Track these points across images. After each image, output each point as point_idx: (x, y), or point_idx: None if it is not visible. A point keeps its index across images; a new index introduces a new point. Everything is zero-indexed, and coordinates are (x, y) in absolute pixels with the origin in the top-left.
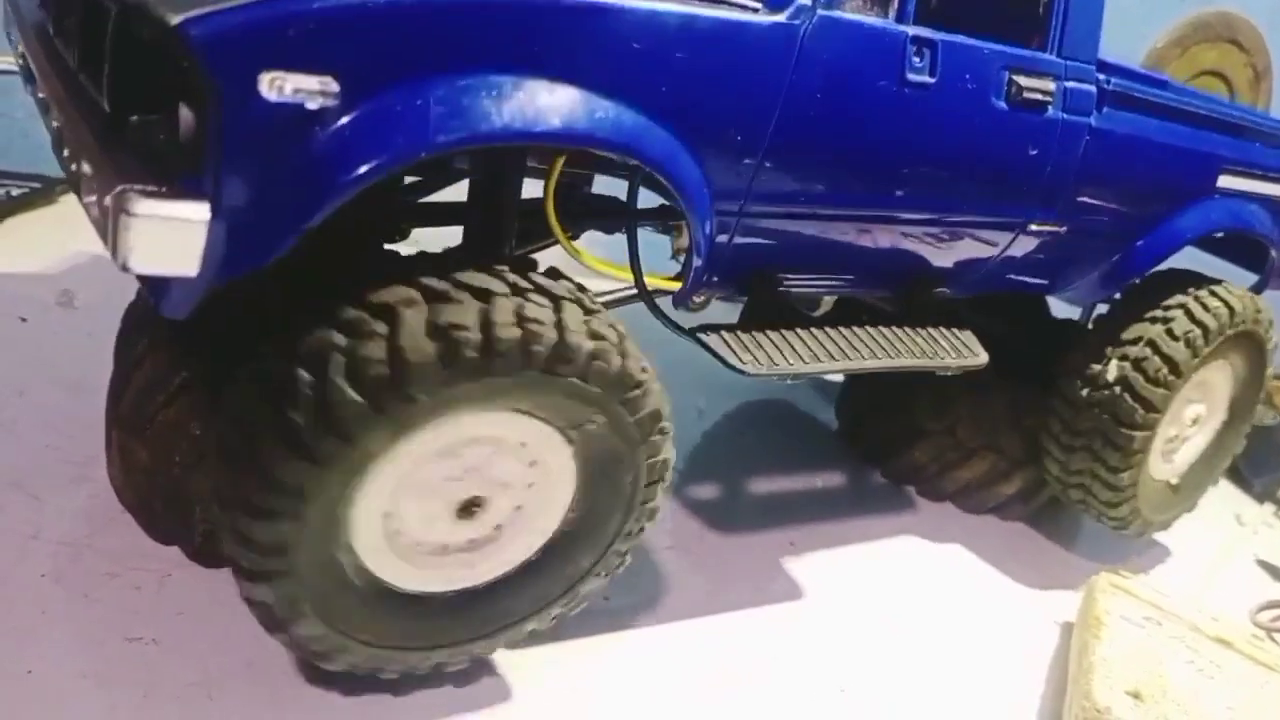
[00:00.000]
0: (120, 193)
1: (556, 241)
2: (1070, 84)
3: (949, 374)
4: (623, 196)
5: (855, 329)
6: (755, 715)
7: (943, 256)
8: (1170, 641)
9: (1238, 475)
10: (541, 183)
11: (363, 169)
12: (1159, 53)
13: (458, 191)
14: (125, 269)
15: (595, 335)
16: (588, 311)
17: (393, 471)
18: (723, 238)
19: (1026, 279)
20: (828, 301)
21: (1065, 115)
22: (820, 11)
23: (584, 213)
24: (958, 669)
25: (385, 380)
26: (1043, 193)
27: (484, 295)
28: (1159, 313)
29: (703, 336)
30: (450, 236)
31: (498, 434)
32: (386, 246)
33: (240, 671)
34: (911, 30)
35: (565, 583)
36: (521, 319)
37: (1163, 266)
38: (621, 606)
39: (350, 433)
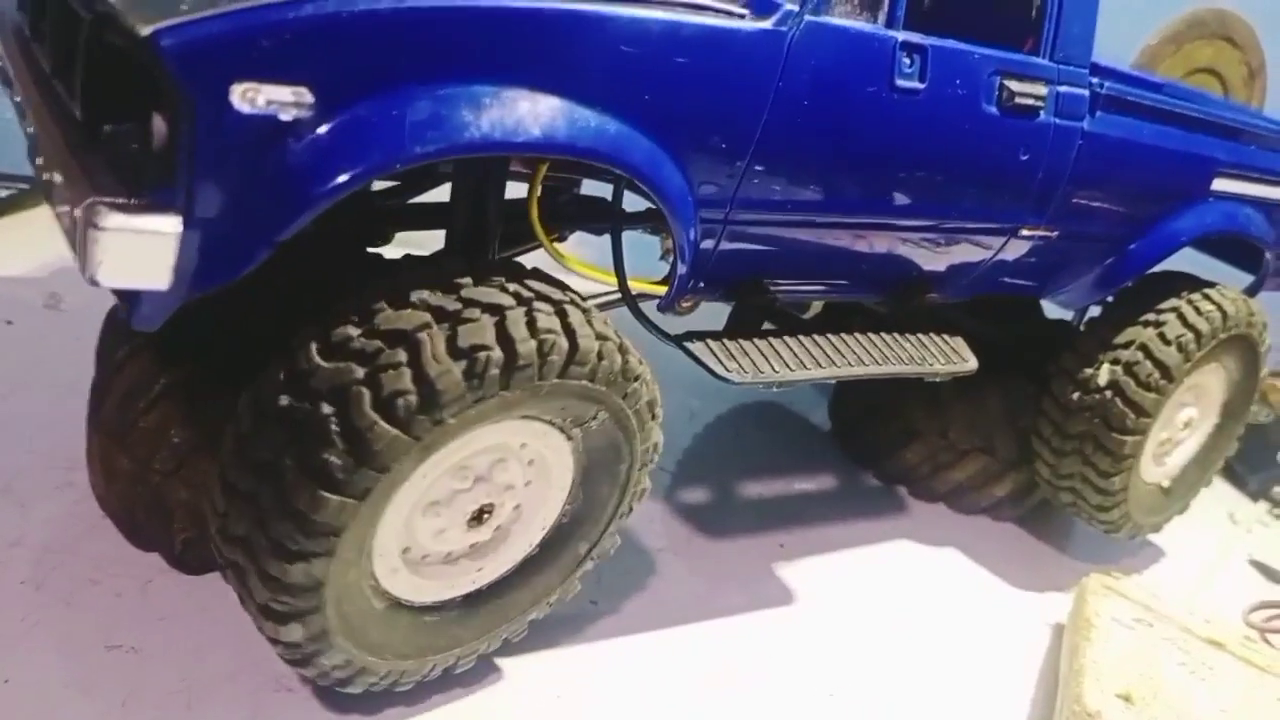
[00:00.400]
0: (90, 205)
1: (541, 245)
2: (1063, 88)
3: (938, 380)
4: (611, 197)
5: (843, 335)
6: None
7: (933, 262)
8: (1162, 643)
9: (1232, 474)
10: (525, 184)
11: (337, 181)
12: (1153, 50)
13: (441, 194)
14: (93, 283)
15: (600, 336)
16: (586, 313)
17: (413, 492)
18: (708, 244)
19: (1018, 282)
20: (817, 305)
21: (1058, 120)
22: (807, 17)
23: (570, 216)
24: (948, 671)
25: (417, 408)
26: (1034, 197)
27: (495, 310)
28: (1151, 316)
29: (688, 344)
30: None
31: (505, 441)
32: (369, 250)
33: (221, 679)
34: (901, 35)
35: (564, 570)
36: (535, 330)
37: (1157, 269)
38: (610, 610)
39: (386, 464)
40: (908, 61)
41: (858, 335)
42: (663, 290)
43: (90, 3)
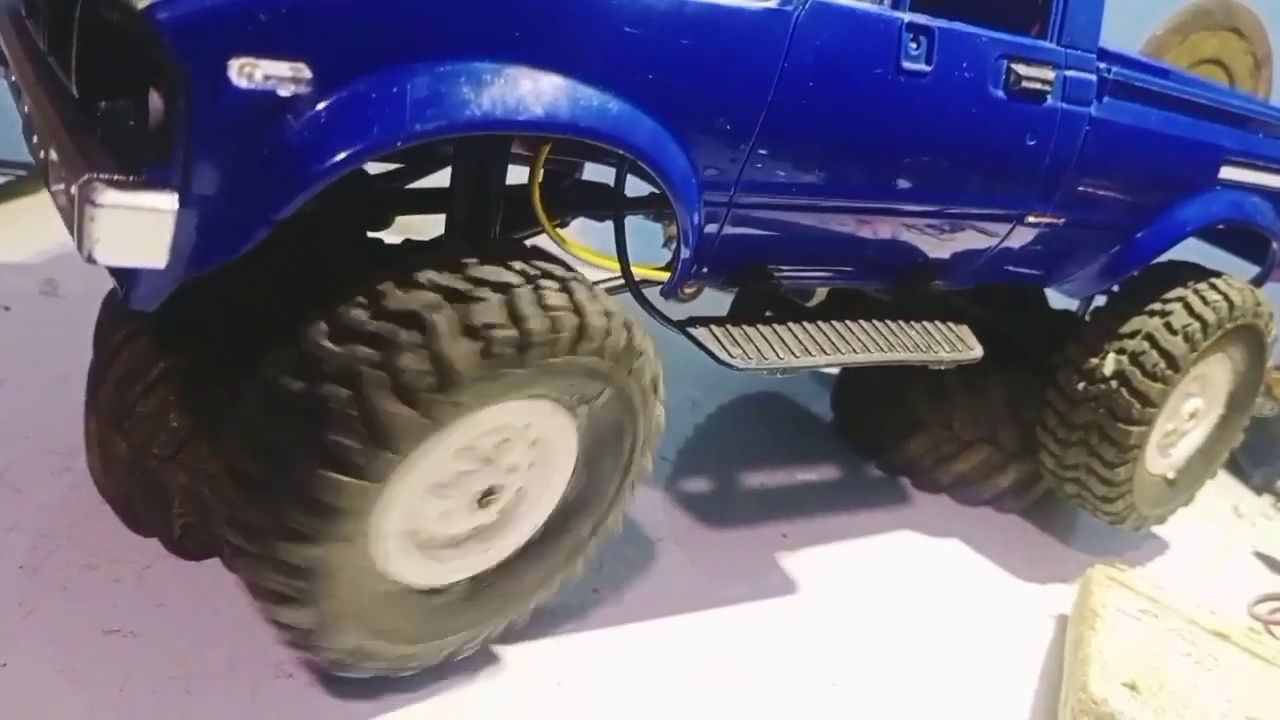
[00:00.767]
0: (86, 182)
1: (543, 230)
2: (1070, 73)
3: (943, 368)
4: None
5: (848, 322)
6: (746, 710)
7: (938, 248)
8: (1167, 634)
9: (1236, 467)
10: (527, 168)
11: (336, 158)
12: (1159, 40)
13: (442, 178)
14: (90, 260)
15: (607, 312)
16: (591, 289)
17: (423, 474)
18: (712, 228)
19: (1024, 270)
20: (821, 292)
21: (1065, 105)
22: None
23: (572, 200)
24: (951, 662)
25: (435, 388)
26: (1041, 183)
27: (504, 288)
28: (1157, 306)
29: (691, 330)
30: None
31: (512, 421)
32: (370, 234)
33: (220, 665)
34: (907, 17)
35: (570, 553)
36: (545, 307)
37: (1163, 258)
38: (612, 599)
39: (404, 447)
40: (914, 43)
41: (862, 322)
42: (666, 276)
43: None
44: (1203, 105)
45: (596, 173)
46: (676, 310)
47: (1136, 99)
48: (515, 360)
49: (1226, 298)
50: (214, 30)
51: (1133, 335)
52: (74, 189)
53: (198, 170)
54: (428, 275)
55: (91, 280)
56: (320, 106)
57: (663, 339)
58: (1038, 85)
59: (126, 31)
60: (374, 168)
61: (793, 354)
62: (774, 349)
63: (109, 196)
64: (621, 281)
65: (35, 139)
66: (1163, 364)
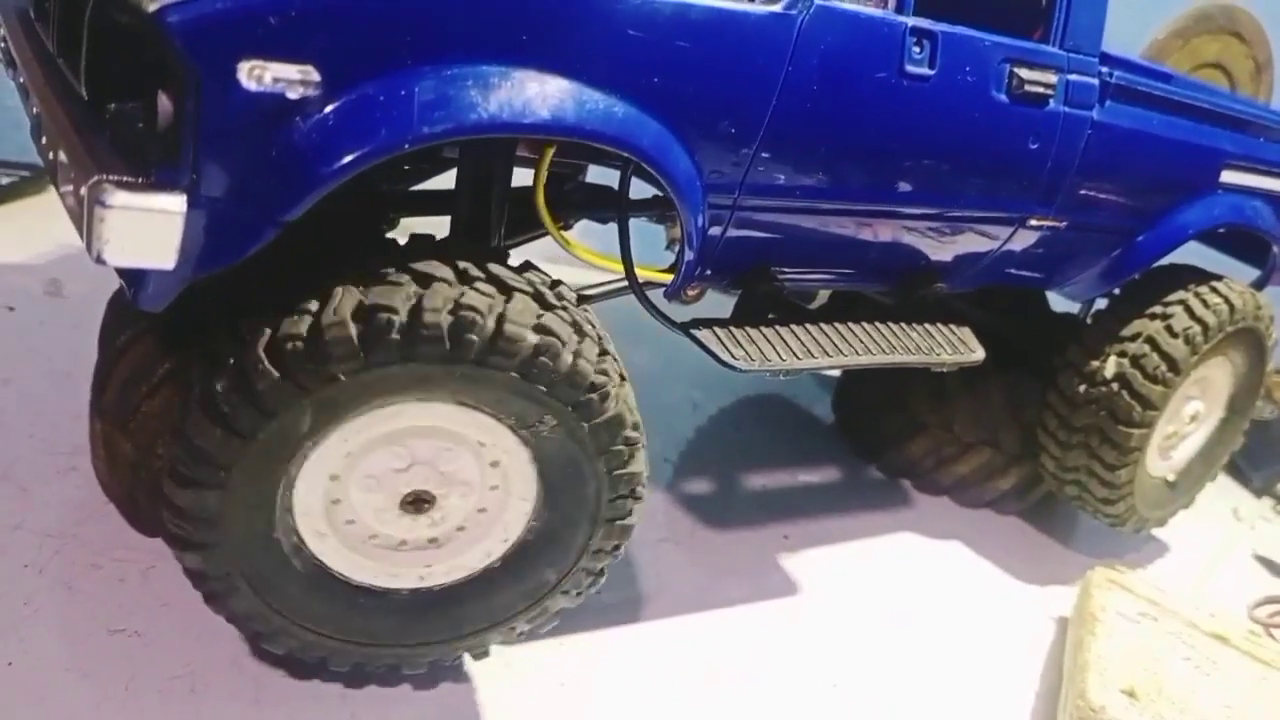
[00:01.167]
0: (95, 183)
1: (547, 232)
2: (1073, 77)
3: (944, 370)
4: (616, 185)
5: (850, 324)
6: (748, 710)
7: (940, 251)
8: (1167, 638)
9: (1236, 470)
10: (532, 171)
11: (344, 160)
12: (1160, 44)
13: (447, 180)
14: (100, 261)
15: (543, 330)
16: (546, 306)
17: (332, 455)
18: (715, 230)
19: (1025, 273)
20: (823, 295)
21: (1067, 109)
22: (817, 1)
23: (576, 203)
24: (952, 664)
25: (302, 356)
26: (1043, 187)
27: (424, 280)
28: (1158, 309)
29: (695, 332)
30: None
31: (448, 428)
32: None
33: (224, 664)
34: (911, 21)
35: (529, 596)
36: (457, 306)
37: (1164, 262)
38: (614, 600)
39: (267, 407)
40: (918, 47)
41: (865, 324)
42: (669, 278)
43: None
44: (1204, 109)
45: (599, 174)
46: (680, 312)
47: (1138, 103)
48: (402, 350)
49: (1227, 301)
50: (224, 33)
51: (1133, 338)
52: (83, 190)
53: (206, 172)
54: (368, 260)
55: (95, 281)
56: (328, 109)
57: (665, 341)
58: (1040, 89)
59: (136, 34)
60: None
61: (795, 356)
62: (777, 351)
63: (118, 198)
64: (625, 283)
65: (44, 140)
66: (1163, 367)
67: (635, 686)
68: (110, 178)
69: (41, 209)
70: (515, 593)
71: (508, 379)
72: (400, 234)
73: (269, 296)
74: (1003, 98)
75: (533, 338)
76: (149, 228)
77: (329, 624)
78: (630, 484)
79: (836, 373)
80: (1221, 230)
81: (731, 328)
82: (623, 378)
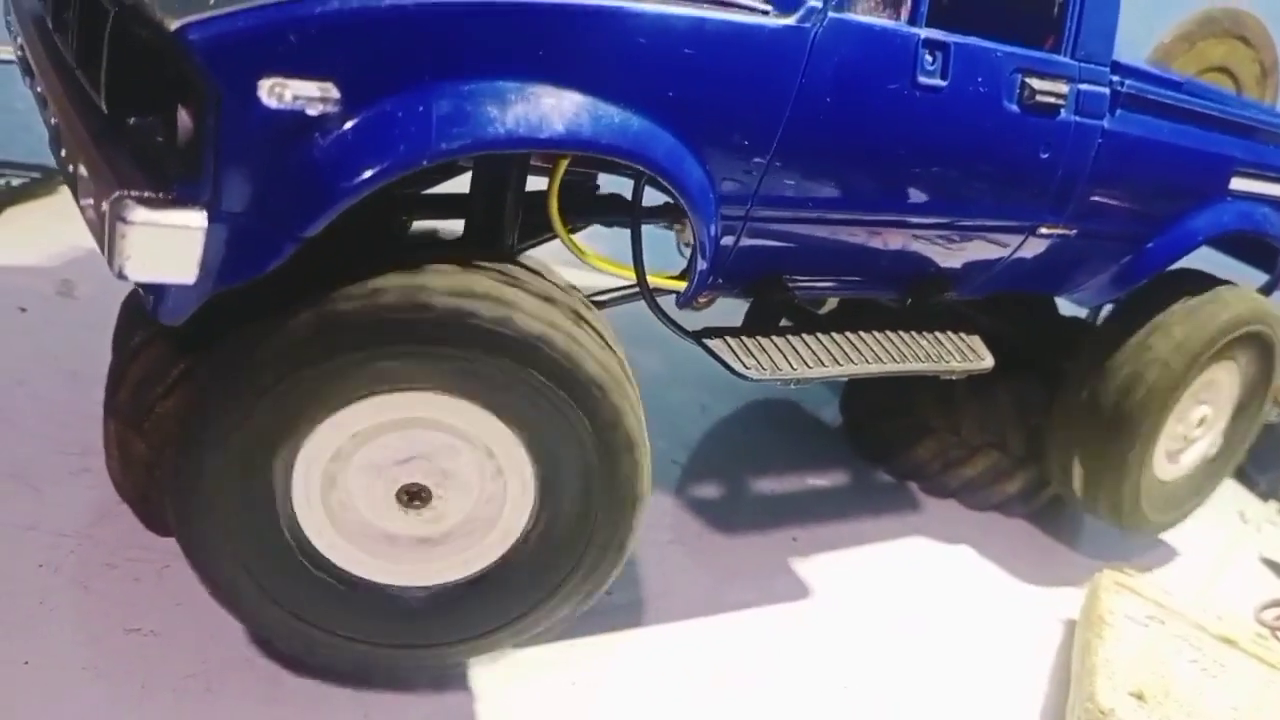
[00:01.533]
0: (117, 199)
1: (557, 236)
2: (1084, 86)
3: (954, 378)
4: (627, 192)
5: (860, 332)
6: (757, 713)
7: (951, 259)
8: (1174, 640)
9: (1242, 473)
10: (544, 176)
11: (364, 176)
12: (1166, 48)
13: (460, 183)
14: (121, 276)
15: (504, 301)
16: (575, 313)
17: (330, 437)
18: (728, 240)
19: (1035, 281)
20: (832, 301)
21: (1078, 118)
22: (831, 14)
23: (589, 210)
24: (960, 666)
25: (308, 331)
26: (1054, 196)
27: (465, 267)
28: (1159, 321)
29: (706, 341)
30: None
31: (452, 422)
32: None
33: (239, 663)
34: (923, 32)
35: (535, 598)
36: (499, 301)
37: (1173, 267)
38: (623, 603)
39: (262, 383)
40: (930, 59)
41: (875, 333)
42: (680, 286)
43: None
44: (1214, 117)
45: (608, 182)
46: (690, 319)
47: (1149, 111)
48: (404, 332)
49: (1235, 308)
50: (245, 51)
51: (1134, 352)
52: (105, 206)
53: (227, 188)
54: (403, 249)
55: (106, 282)
56: (347, 125)
57: (672, 344)
58: (1052, 99)
59: (156, 49)
60: None
61: (806, 365)
62: (787, 360)
63: (140, 214)
64: (635, 289)
65: (63, 152)
66: (1163, 382)
67: (645, 688)
68: (132, 194)
69: (52, 210)
70: (521, 595)
71: (528, 376)
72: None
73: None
74: (1014, 108)
75: (563, 342)
76: (170, 244)
77: (324, 617)
78: (634, 496)
79: (849, 378)
80: (1231, 236)
81: (743, 337)
82: (631, 383)
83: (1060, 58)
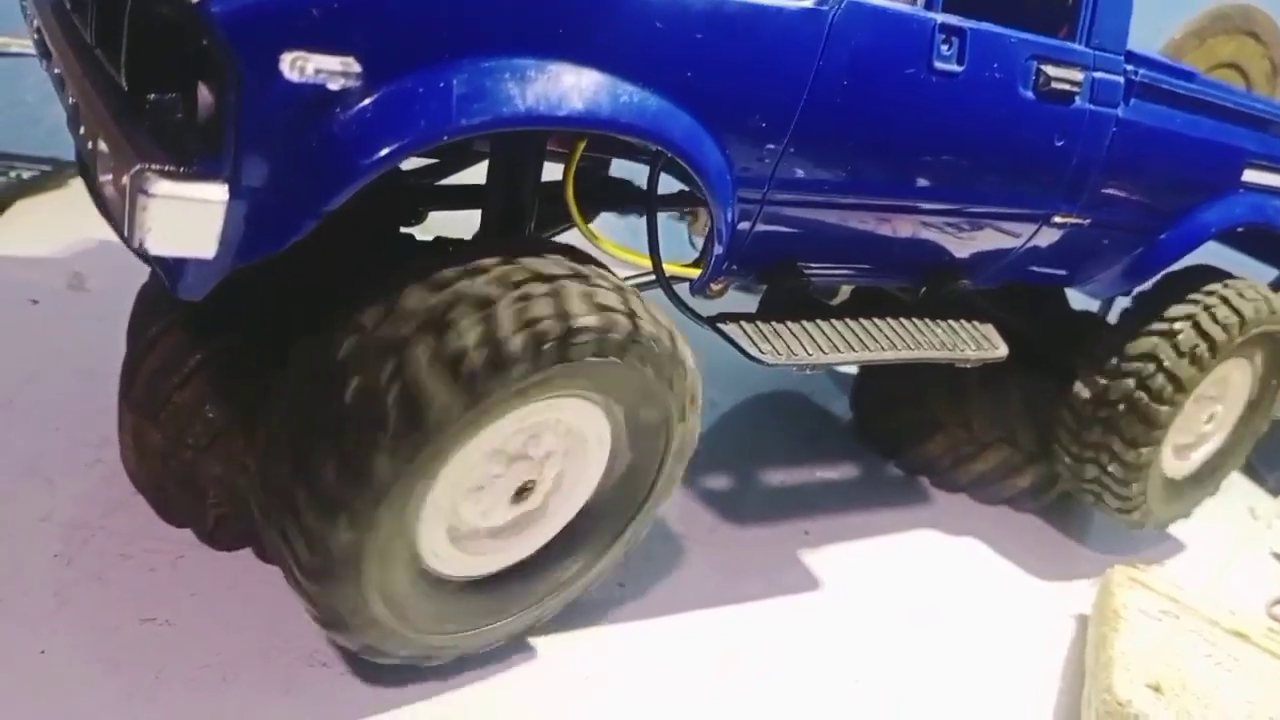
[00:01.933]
0: (138, 172)
1: (573, 225)
2: (1098, 75)
3: (967, 366)
4: (638, 180)
5: (875, 320)
6: (768, 706)
7: (965, 247)
8: (1188, 635)
9: (1251, 469)
10: (559, 165)
11: (384, 151)
12: (1177, 43)
13: (476, 174)
14: (141, 249)
15: (655, 320)
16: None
17: (461, 466)
18: (744, 225)
19: (1048, 270)
20: (845, 290)
21: (1093, 106)
22: None
23: (603, 197)
24: (971, 661)
25: (480, 371)
26: (1068, 184)
27: (553, 281)
28: (1166, 326)
29: (721, 326)
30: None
31: (549, 418)
32: (402, 230)
33: (254, 653)
34: (940, 17)
35: (589, 557)
36: (598, 307)
37: (1185, 261)
38: (635, 596)
39: (433, 428)
40: (946, 44)
41: (889, 320)
42: (695, 273)
43: None
44: (1227, 108)
45: (626, 170)
46: (704, 308)
47: (1162, 101)
48: (555, 354)
49: (1239, 312)
50: (267, 25)
51: (1140, 359)
52: (125, 179)
53: (247, 162)
54: (475, 266)
55: (118, 274)
56: (368, 101)
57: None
58: (1066, 86)
59: (177, 25)
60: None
61: (821, 351)
62: (803, 345)
63: (161, 187)
64: (651, 278)
65: (82, 130)
66: (1169, 388)
67: (658, 680)
68: (153, 167)
69: (63, 203)
70: (578, 555)
71: (641, 367)
72: (425, 229)
73: (379, 307)
74: (1029, 95)
75: (650, 327)
76: (191, 217)
77: (446, 624)
78: (691, 444)
79: (854, 370)
80: (1241, 229)
81: (758, 322)
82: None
83: (1075, 45)
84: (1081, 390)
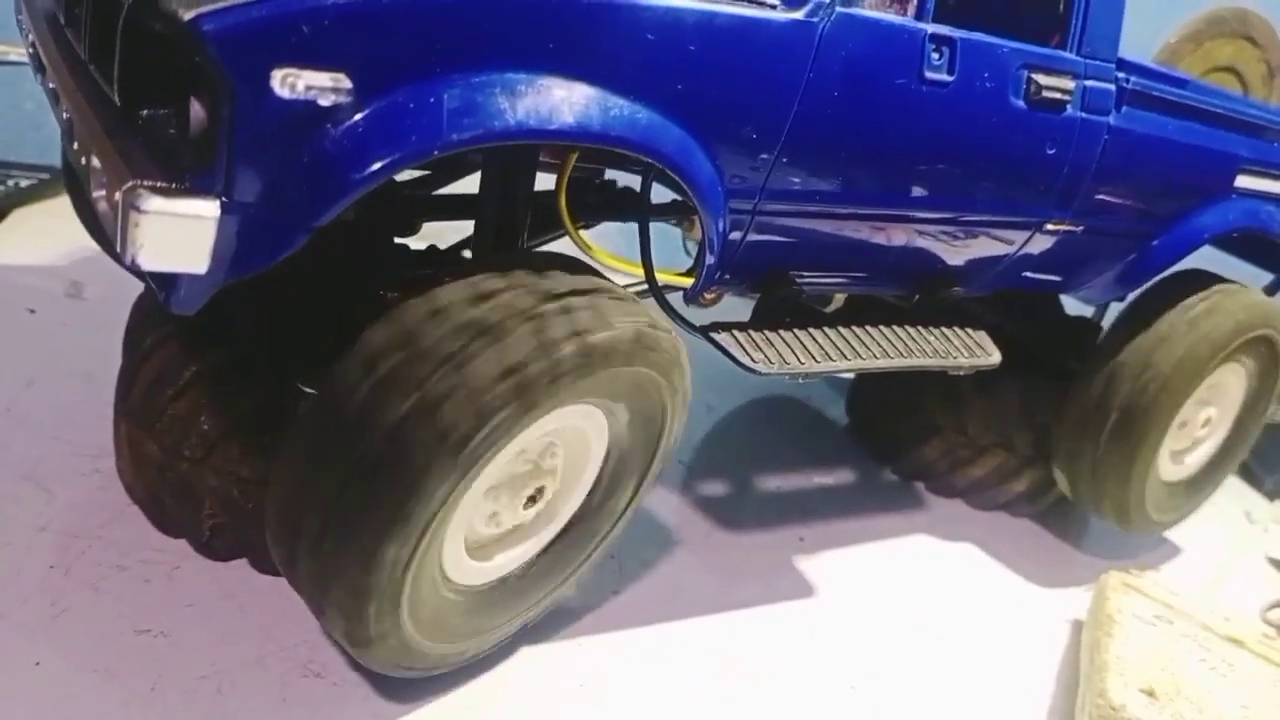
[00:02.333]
0: (130, 188)
1: (566, 234)
2: (1089, 83)
3: (961, 373)
4: (633, 187)
5: (868, 328)
6: (764, 712)
7: (958, 255)
8: (1183, 640)
9: (1248, 472)
10: (551, 175)
11: (375, 166)
12: (1173, 48)
13: (469, 184)
14: (134, 265)
15: (663, 328)
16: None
17: (482, 482)
18: (736, 235)
19: (1042, 277)
20: (839, 299)
21: (1084, 114)
22: (839, 9)
23: (596, 206)
24: (967, 666)
25: (535, 381)
26: (1060, 192)
27: (585, 296)
28: (1160, 332)
29: (714, 335)
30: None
31: (565, 424)
32: (396, 241)
33: (250, 664)
34: (930, 28)
35: (585, 546)
36: (630, 316)
37: (1179, 266)
38: (631, 602)
39: (480, 452)
40: (937, 54)
41: (882, 328)
42: (688, 282)
43: None
44: (1219, 114)
45: (621, 176)
46: (697, 316)
47: (1155, 108)
48: (595, 365)
49: (1238, 311)
50: (258, 41)
51: (1140, 355)
52: (118, 195)
53: (239, 177)
54: (501, 282)
55: (115, 283)
56: (359, 116)
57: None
58: (1058, 95)
59: (169, 42)
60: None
61: (814, 359)
62: (795, 354)
63: (153, 203)
64: (644, 286)
65: (76, 145)
66: (1164, 393)
67: (655, 686)
68: (145, 183)
69: (61, 211)
70: (598, 522)
71: (658, 374)
72: (420, 239)
73: (410, 328)
74: (1021, 104)
75: (665, 336)
76: (183, 232)
77: (462, 632)
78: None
79: (850, 375)
80: (1236, 235)
81: (750, 331)
82: None
83: (1066, 54)
84: (1081, 388)
